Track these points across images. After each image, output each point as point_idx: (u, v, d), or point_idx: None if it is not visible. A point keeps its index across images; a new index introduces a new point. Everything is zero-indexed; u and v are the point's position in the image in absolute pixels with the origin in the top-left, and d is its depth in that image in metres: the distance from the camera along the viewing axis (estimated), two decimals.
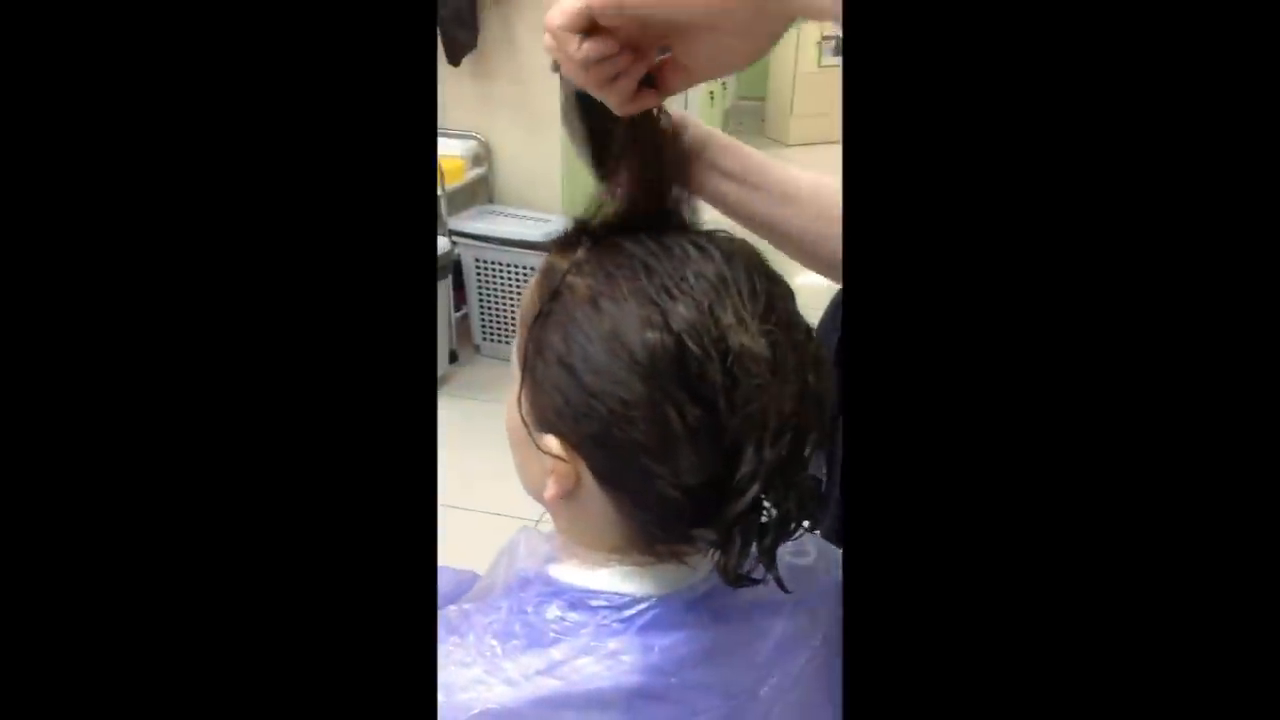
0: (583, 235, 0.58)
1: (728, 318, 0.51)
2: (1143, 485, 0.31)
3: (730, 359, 0.50)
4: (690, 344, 0.50)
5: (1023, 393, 0.33)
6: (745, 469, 0.51)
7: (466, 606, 0.61)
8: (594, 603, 0.59)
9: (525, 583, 0.62)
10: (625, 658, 0.56)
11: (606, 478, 0.55)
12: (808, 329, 0.54)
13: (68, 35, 0.33)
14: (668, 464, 0.52)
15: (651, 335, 0.50)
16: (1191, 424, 0.31)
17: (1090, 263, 0.32)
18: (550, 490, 0.56)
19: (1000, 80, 0.32)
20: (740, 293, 0.52)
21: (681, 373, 0.50)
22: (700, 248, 0.54)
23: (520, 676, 0.55)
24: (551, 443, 0.55)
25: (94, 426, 0.33)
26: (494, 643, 0.58)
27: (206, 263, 0.34)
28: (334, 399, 0.36)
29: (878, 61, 0.34)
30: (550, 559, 0.64)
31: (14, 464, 0.31)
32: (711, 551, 0.56)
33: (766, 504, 0.53)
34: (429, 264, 0.45)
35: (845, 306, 0.38)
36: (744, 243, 0.56)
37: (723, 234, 0.57)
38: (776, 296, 0.53)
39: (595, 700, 0.54)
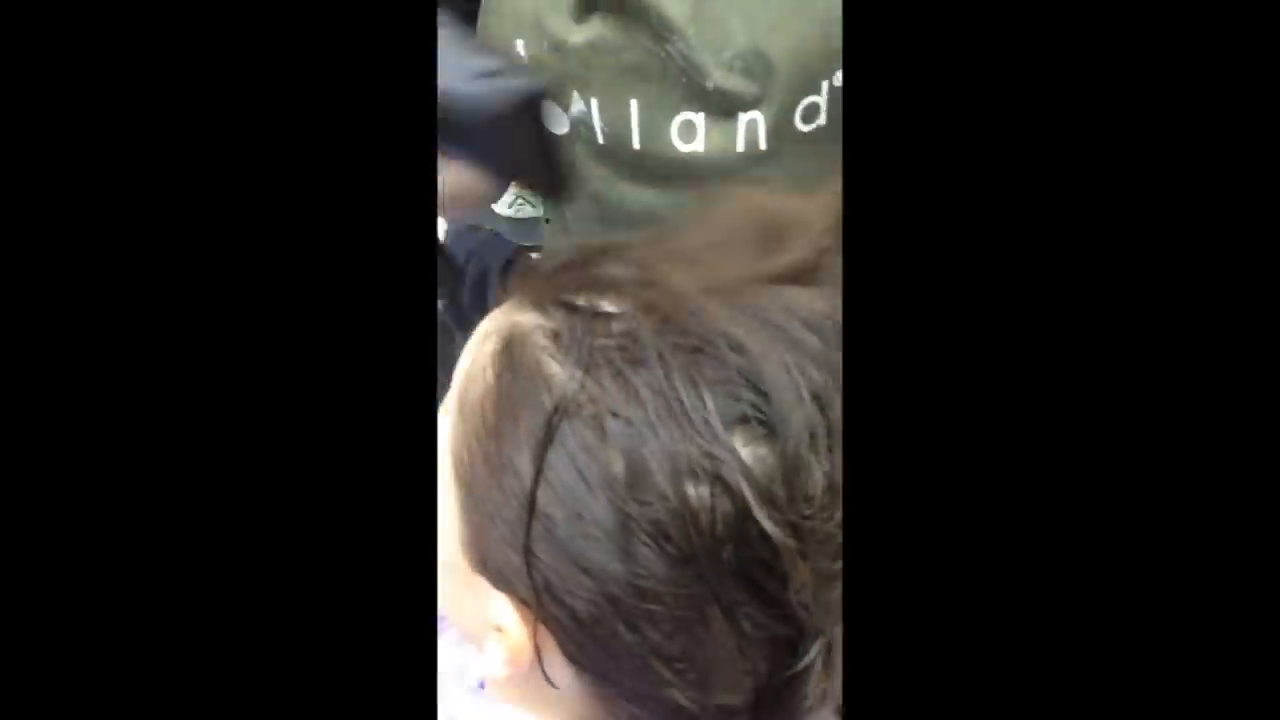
0: (562, 287, 0.37)
1: (820, 467, 0.32)
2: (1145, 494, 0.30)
3: (819, 534, 0.32)
4: (760, 515, 0.31)
5: (1024, 400, 0.30)
6: (814, 685, 0.34)
7: None
8: None
9: None
10: None
11: (587, 667, 0.36)
12: None
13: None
14: (694, 676, 0.34)
15: (697, 493, 0.31)
16: (1191, 426, 0.30)
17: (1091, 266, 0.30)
18: (494, 668, 0.37)
19: (999, 86, 0.31)
20: (837, 419, 0.33)
21: (740, 557, 0.32)
22: (787, 330, 0.34)
23: None
24: (501, 608, 0.36)
25: (92, 429, 0.31)
26: None
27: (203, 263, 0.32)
28: (334, 400, 0.32)
29: (876, 65, 0.32)
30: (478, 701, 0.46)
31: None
32: None
33: None
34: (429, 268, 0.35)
35: (845, 307, 0.31)
36: (830, 309, 0.35)
37: (805, 299, 0.35)
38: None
39: None
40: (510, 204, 1.13)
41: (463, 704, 0.48)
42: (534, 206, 1.21)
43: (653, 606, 0.32)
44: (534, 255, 1.24)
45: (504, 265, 1.23)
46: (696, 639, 0.33)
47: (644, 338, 0.33)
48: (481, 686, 0.49)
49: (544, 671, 0.37)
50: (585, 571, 0.33)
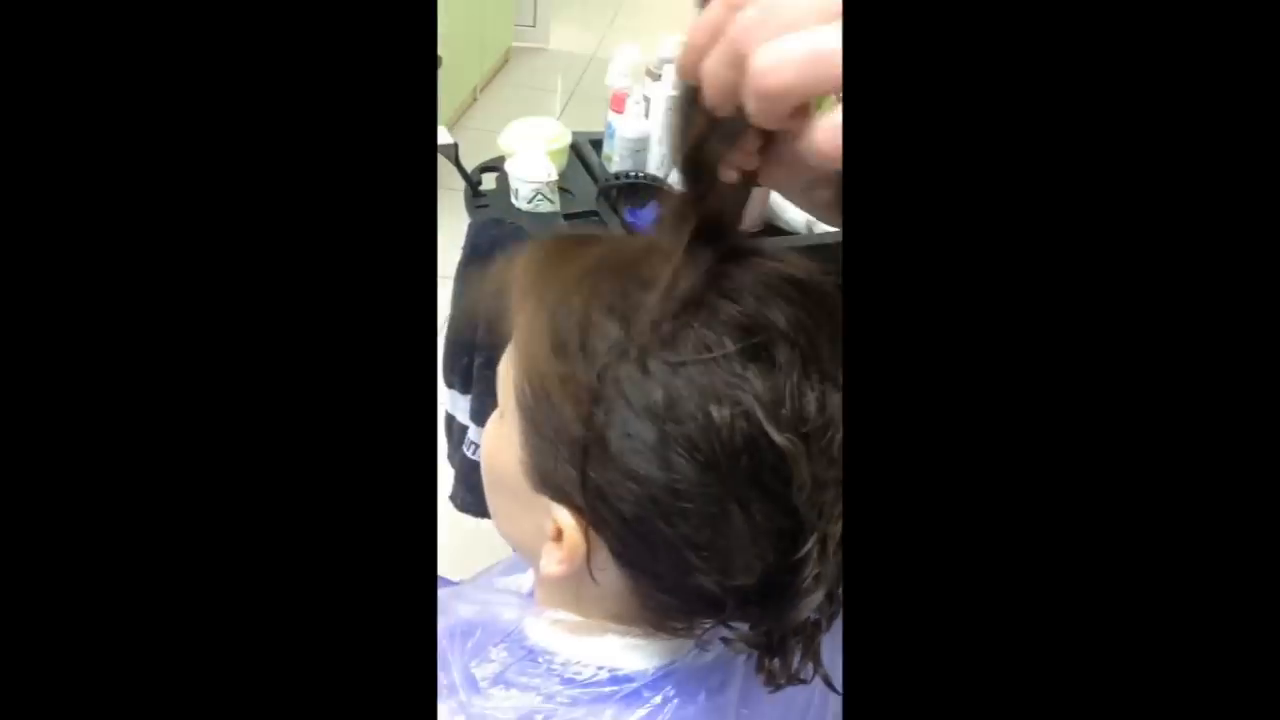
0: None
1: (814, 393, 0.41)
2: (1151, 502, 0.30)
3: (813, 447, 0.41)
4: (770, 430, 0.40)
5: (1028, 399, 0.31)
6: (810, 570, 0.42)
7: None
8: (587, 677, 0.50)
9: (487, 650, 0.52)
10: None
11: (630, 561, 0.45)
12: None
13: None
14: (717, 562, 0.43)
15: (720, 414, 0.40)
16: (1194, 430, 0.30)
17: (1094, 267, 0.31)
18: (552, 567, 0.46)
19: (999, 85, 0.31)
20: (828, 359, 0.42)
21: (753, 464, 0.41)
22: (782, 290, 0.43)
23: None
24: (561, 515, 0.45)
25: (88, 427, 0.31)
26: None
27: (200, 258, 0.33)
28: (331, 393, 0.34)
29: (877, 57, 0.32)
30: (524, 617, 0.54)
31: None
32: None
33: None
34: (429, 263, 0.36)
35: (846, 306, 0.34)
36: (831, 284, 0.45)
37: (804, 268, 0.45)
38: (838, 361, 0.43)
39: None
40: (529, 199, 1.21)
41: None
42: (551, 203, 1.28)
43: (685, 504, 0.41)
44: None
45: None
46: (719, 530, 0.42)
47: (676, 295, 0.42)
48: (530, 595, 0.58)
49: (590, 571, 0.46)
50: (633, 479, 0.42)
